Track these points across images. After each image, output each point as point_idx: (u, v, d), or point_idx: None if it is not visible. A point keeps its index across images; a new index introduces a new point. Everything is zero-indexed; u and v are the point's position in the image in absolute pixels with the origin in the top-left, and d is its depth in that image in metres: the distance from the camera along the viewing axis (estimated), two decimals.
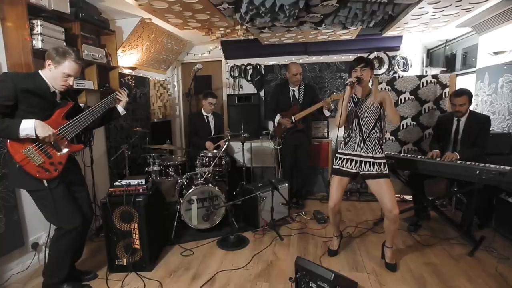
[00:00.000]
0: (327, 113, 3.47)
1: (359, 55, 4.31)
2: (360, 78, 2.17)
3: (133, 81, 2.43)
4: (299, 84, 3.60)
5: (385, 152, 3.10)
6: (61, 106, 1.90)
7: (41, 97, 1.80)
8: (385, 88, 3.81)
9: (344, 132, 2.36)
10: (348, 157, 2.29)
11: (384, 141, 2.27)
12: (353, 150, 2.27)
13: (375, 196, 2.27)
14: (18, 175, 1.78)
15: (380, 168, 2.20)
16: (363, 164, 2.24)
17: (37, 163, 1.77)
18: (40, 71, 1.85)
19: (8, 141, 1.73)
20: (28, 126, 1.68)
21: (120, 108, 2.24)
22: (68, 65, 1.82)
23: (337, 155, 2.37)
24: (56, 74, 1.82)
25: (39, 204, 1.90)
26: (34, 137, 1.72)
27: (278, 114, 3.62)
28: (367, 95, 2.26)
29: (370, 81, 2.30)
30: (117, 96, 2.16)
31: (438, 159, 2.71)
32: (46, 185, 1.80)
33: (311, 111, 3.43)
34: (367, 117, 2.23)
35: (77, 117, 1.94)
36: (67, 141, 1.91)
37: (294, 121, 3.49)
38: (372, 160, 2.21)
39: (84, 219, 2.04)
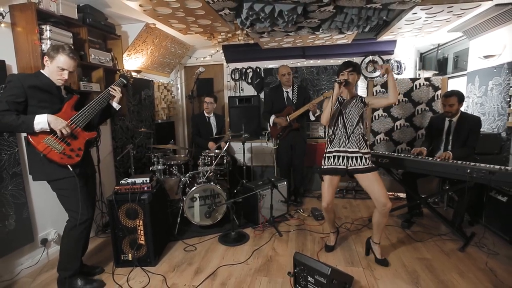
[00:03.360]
0: (312, 117, 3.52)
1: (355, 58, 4.33)
2: (348, 81, 2.21)
3: (128, 72, 2.41)
4: (291, 85, 3.62)
5: (380, 152, 3.13)
6: (68, 99, 1.95)
7: (48, 92, 1.86)
8: (380, 91, 3.81)
9: (328, 131, 2.37)
10: (334, 154, 2.29)
11: (367, 137, 2.29)
12: (339, 147, 2.27)
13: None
14: (42, 166, 1.82)
15: (366, 162, 2.21)
16: (350, 159, 2.24)
17: (59, 151, 1.81)
18: (41, 70, 1.91)
19: (29, 135, 1.77)
20: (42, 120, 1.74)
21: (115, 104, 2.23)
22: (61, 59, 1.84)
23: (324, 155, 2.36)
24: (52, 69, 1.86)
25: (59, 193, 1.93)
26: (49, 130, 1.76)
27: (273, 115, 3.62)
28: (352, 97, 2.30)
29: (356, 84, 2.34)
30: (110, 92, 2.15)
31: (430, 158, 2.71)
32: (71, 169, 1.84)
33: (302, 111, 3.44)
34: (351, 114, 2.25)
35: (85, 107, 1.98)
36: (81, 130, 1.95)
37: (289, 120, 3.49)
38: (357, 155, 2.22)
39: (93, 210, 2.09)
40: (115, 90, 2.17)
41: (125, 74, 2.36)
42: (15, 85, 1.74)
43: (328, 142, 2.35)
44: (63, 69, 1.87)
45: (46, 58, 1.86)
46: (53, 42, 2.25)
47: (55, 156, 1.80)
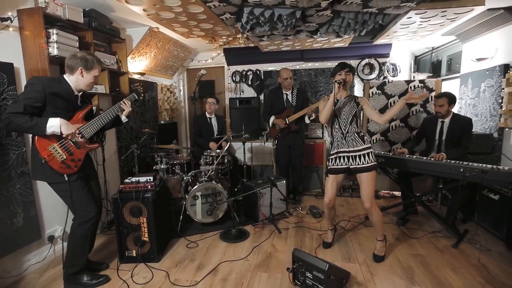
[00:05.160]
0: (307, 120, 3.51)
1: (351, 61, 4.33)
2: (345, 81, 2.22)
3: (141, 88, 2.41)
4: (291, 88, 3.61)
5: (376, 152, 3.12)
6: (82, 109, 1.97)
7: (66, 100, 1.87)
8: (376, 92, 3.81)
9: (329, 135, 2.39)
10: (336, 155, 2.31)
11: (362, 133, 2.29)
12: (338, 148, 2.30)
13: None
14: (42, 169, 1.82)
15: (365, 161, 2.19)
16: (350, 159, 2.24)
17: (60, 160, 1.81)
18: (65, 76, 1.91)
19: (36, 139, 1.77)
20: (54, 124, 1.74)
21: (123, 117, 2.24)
22: (97, 68, 1.97)
23: (329, 157, 2.39)
24: (89, 79, 1.94)
25: (61, 195, 1.94)
26: (59, 134, 1.77)
27: (272, 116, 3.62)
28: (346, 97, 2.31)
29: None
30: (121, 105, 2.16)
31: (425, 158, 2.71)
32: (66, 179, 1.86)
33: (301, 114, 3.44)
34: (344, 115, 2.26)
35: (94, 119, 1.99)
36: (86, 140, 1.96)
37: (288, 122, 3.48)
38: (355, 153, 2.22)
39: (98, 208, 2.08)
40: (125, 104, 2.18)
41: (138, 90, 2.37)
42: (37, 89, 1.73)
43: (331, 145, 2.39)
44: (97, 76, 1.98)
45: (81, 69, 1.89)
46: (60, 46, 2.26)
47: (55, 165, 1.81)
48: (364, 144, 2.23)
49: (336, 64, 2.31)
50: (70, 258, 2.01)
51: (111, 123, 2.17)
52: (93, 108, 2.12)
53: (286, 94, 3.62)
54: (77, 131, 1.86)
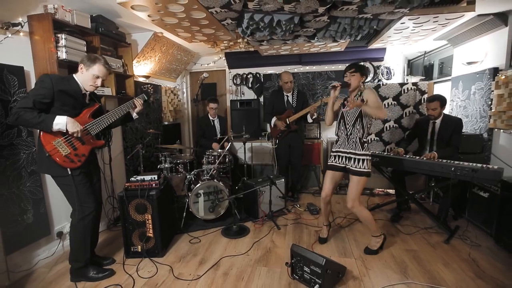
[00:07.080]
0: (309, 120, 3.48)
1: (347, 64, 4.32)
2: (347, 83, 2.21)
3: (151, 89, 2.42)
4: (292, 90, 3.61)
5: (371, 151, 3.11)
6: (89, 106, 1.97)
7: (74, 97, 1.87)
8: None
9: (335, 133, 2.39)
10: (336, 153, 2.34)
11: (366, 139, 2.24)
12: (340, 148, 2.32)
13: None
14: (47, 162, 1.82)
15: (358, 165, 2.18)
16: (347, 159, 2.26)
17: (64, 154, 1.81)
18: (74, 75, 1.92)
19: (42, 133, 1.78)
20: (61, 122, 1.74)
21: (133, 113, 2.25)
22: (97, 68, 1.90)
23: (330, 153, 2.43)
24: (87, 76, 1.91)
25: (62, 189, 1.93)
26: (64, 131, 1.77)
27: (274, 117, 3.62)
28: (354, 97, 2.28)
29: (362, 85, 2.30)
30: (135, 102, 2.18)
31: (418, 157, 2.71)
32: (69, 173, 1.85)
33: (302, 114, 3.43)
34: (348, 117, 2.26)
35: (101, 116, 1.99)
36: (91, 137, 1.95)
37: (288, 123, 3.49)
38: (353, 156, 2.23)
39: (98, 204, 2.07)
40: (137, 102, 2.19)
41: (148, 91, 2.37)
42: (46, 86, 1.75)
43: (335, 142, 2.41)
44: (97, 77, 1.91)
45: (81, 66, 1.89)
46: (68, 50, 2.26)
47: (59, 158, 1.80)
48: (363, 150, 2.19)
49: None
50: (74, 253, 2.00)
51: (120, 120, 2.17)
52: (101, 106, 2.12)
53: (287, 96, 3.62)
54: (82, 128, 1.85)
